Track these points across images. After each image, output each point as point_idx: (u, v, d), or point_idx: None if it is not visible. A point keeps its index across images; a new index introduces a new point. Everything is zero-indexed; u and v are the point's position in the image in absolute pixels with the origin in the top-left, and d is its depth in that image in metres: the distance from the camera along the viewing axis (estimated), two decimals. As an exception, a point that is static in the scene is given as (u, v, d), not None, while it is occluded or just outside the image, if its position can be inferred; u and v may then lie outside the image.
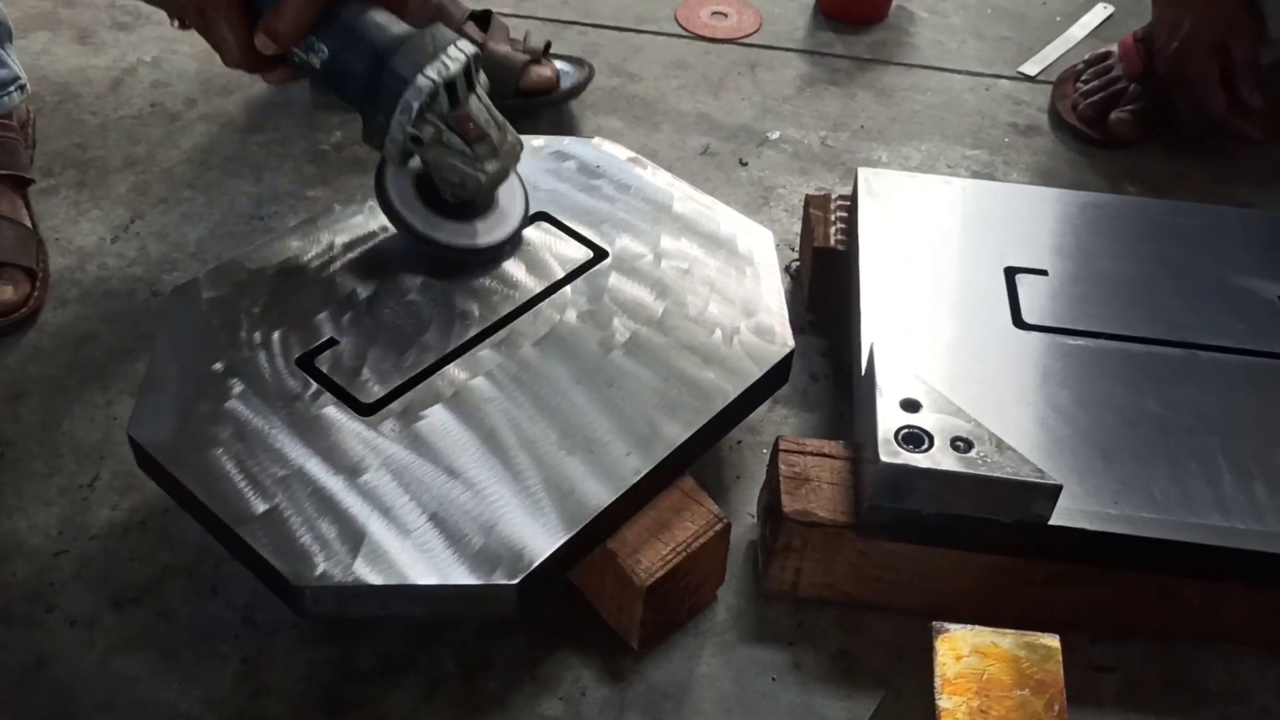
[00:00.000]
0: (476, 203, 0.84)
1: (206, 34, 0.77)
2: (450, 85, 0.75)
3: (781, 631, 0.80)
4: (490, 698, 0.75)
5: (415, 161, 0.81)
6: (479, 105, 0.78)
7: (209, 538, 0.74)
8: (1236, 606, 0.78)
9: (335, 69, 0.76)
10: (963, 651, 0.50)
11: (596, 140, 1.00)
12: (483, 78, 0.78)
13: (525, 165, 0.96)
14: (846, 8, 1.43)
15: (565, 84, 1.22)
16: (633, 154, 0.99)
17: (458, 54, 0.75)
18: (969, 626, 0.51)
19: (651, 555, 0.73)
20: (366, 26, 0.75)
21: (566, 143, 0.99)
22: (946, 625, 0.51)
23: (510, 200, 0.87)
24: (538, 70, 1.21)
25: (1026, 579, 0.77)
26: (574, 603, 0.78)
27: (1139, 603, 0.78)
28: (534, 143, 0.99)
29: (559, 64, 1.23)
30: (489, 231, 0.85)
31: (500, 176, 0.81)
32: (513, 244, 0.87)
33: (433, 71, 0.74)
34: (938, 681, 0.50)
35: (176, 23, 0.79)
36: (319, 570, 0.66)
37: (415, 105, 0.74)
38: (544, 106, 1.23)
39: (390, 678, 0.76)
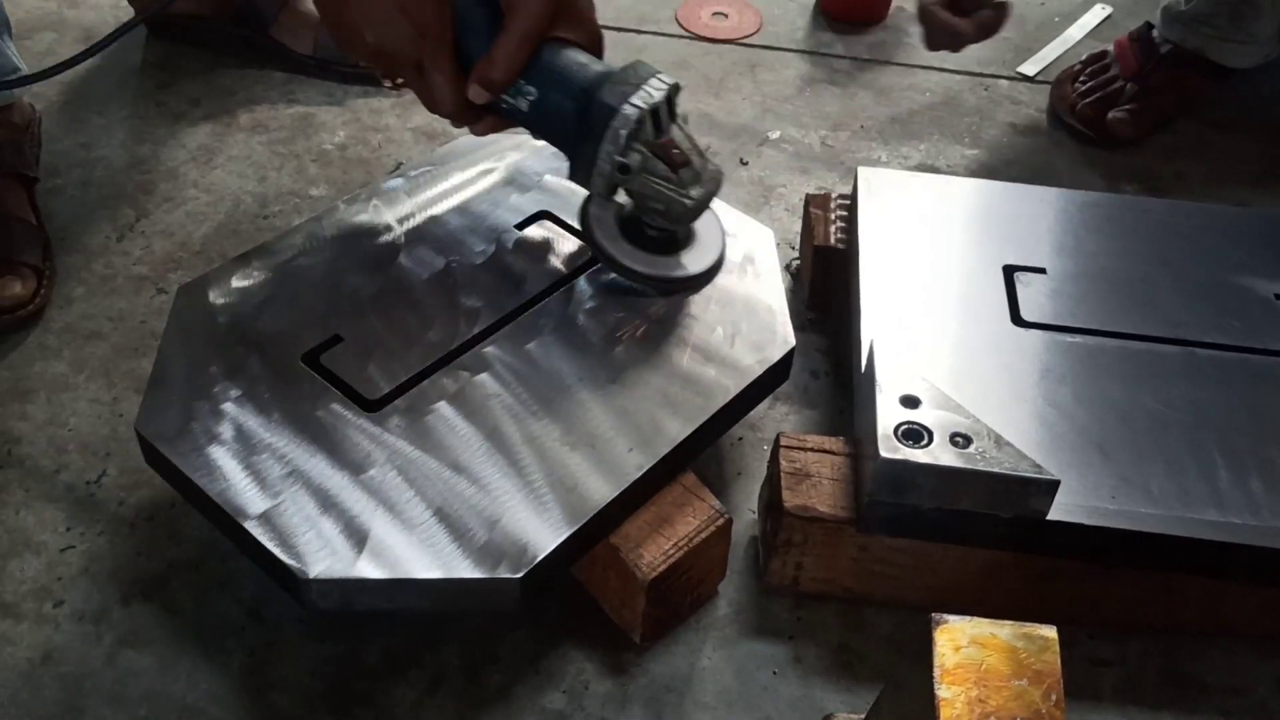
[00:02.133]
0: (677, 236, 0.85)
1: (421, 87, 0.80)
2: (654, 113, 0.77)
3: (782, 626, 0.81)
4: (494, 691, 0.76)
5: (620, 197, 0.83)
6: (681, 135, 0.80)
7: (215, 533, 0.75)
8: (1234, 602, 0.79)
9: (544, 109, 0.79)
10: (961, 642, 0.51)
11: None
12: (680, 109, 0.80)
13: (526, 162, 0.97)
14: (847, 8, 1.43)
15: None
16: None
17: (659, 84, 0.78)
18: (967, 618, 0.52)
19: (654, 550, 0.73)
20: (571, 66, 0.78)
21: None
22: (945, 616, 0.52)
23: (709, 233, 0.87)
24: None
25: (1025, 574, 0.77)
26: (577, 598, 0.79)
27: (1137, 598, 0.79)
28: (535, 142, 0.99)
29: None
30: (691, 263, 0.85)
31: (704, 203, 0.82)
32: (709, 278, 0.86)
33: (638, 100, 0.76)
34: (937, 672, 0.50)
35: (389, 84, 0.83)
36: (325, 564, 0.67)
37: (623, 133, 0.76)
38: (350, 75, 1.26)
39: (395, 672, 0.76)
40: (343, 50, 0.81)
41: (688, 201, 0.80)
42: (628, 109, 0.76)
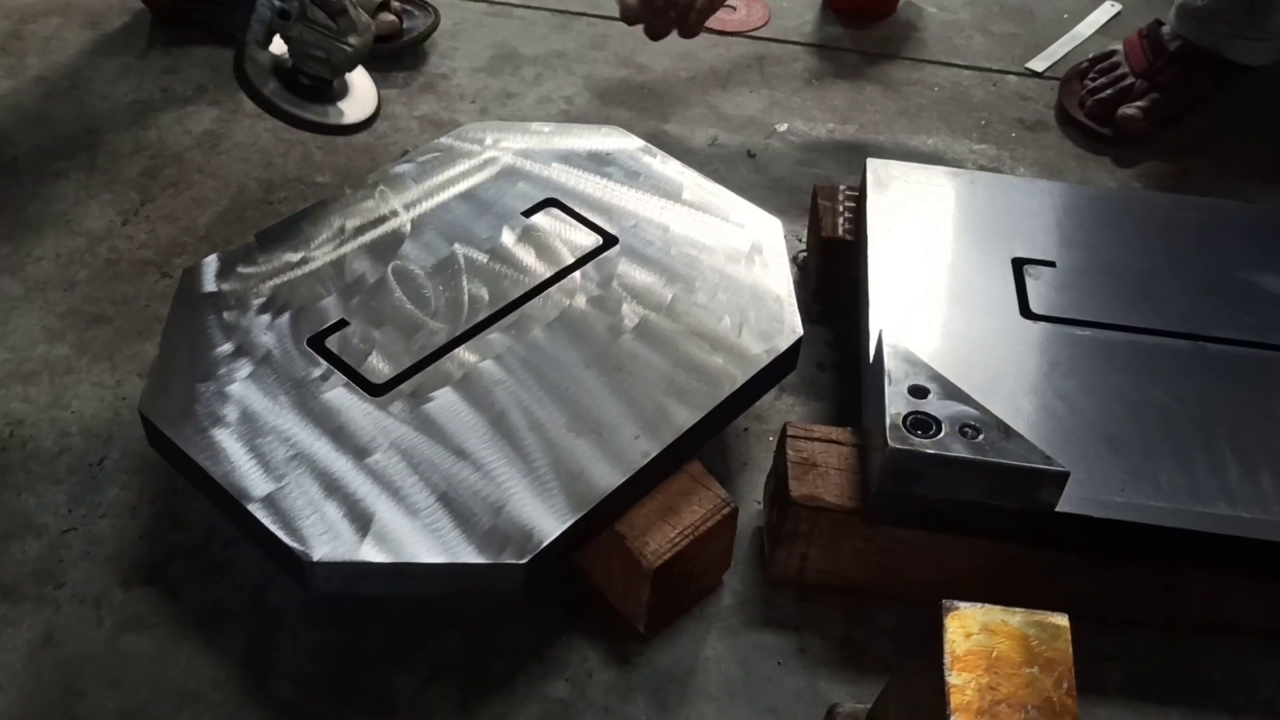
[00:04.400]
0: (333, 85, 0.90)
1: None
2: None
3: (787, 617, 0.80)
4: (496, 680, 0.75)
5: (274, 52, 0.88)
6: None
7: (218, 517, 0.74)
8: (1241, 598, 0.78)
9: None
10: (972, 629, 0.50)
11: (607, 129, 1.00)
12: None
13: (533, 149, 0.97)
14: (855, 3, 1.43)
15: (411, 30, 1.29)
16: (643, 142, 0.99)
17: None
18: (979, 605, 0.51)
19: (659, 538, 0.73)
20: None
21: (577, 131, 1.00)
22: (956, 603, 0.51)
23: (364, 85, 0.93)
24: (384, 16, 1.26)
25: (1031, 567, 0.77)
26: (581, 587, 0.78)
27: (1144, 593, 0.78)
28: (544, 129, 0.99)
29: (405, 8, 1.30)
30: (352, 111, 0.91)
31: (363, 51, 0.87)
32: (368, 125, 0.94)
33: None
34: (947, 658, 0.50)
35: None
36: (329, 547, 0.67)
37: None
38: (388, 52, 1.27)
39: (397, 660, 0.76)
40: None
41: (348, 48, 0.86)
42: None
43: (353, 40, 0.86)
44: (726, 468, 0.89)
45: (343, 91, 0.91)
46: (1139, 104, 1.24)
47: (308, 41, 0.85)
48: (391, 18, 1.26)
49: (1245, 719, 0.77)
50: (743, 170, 1.19)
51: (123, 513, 0.83)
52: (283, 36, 0.86)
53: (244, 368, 0.76)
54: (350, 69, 0.89)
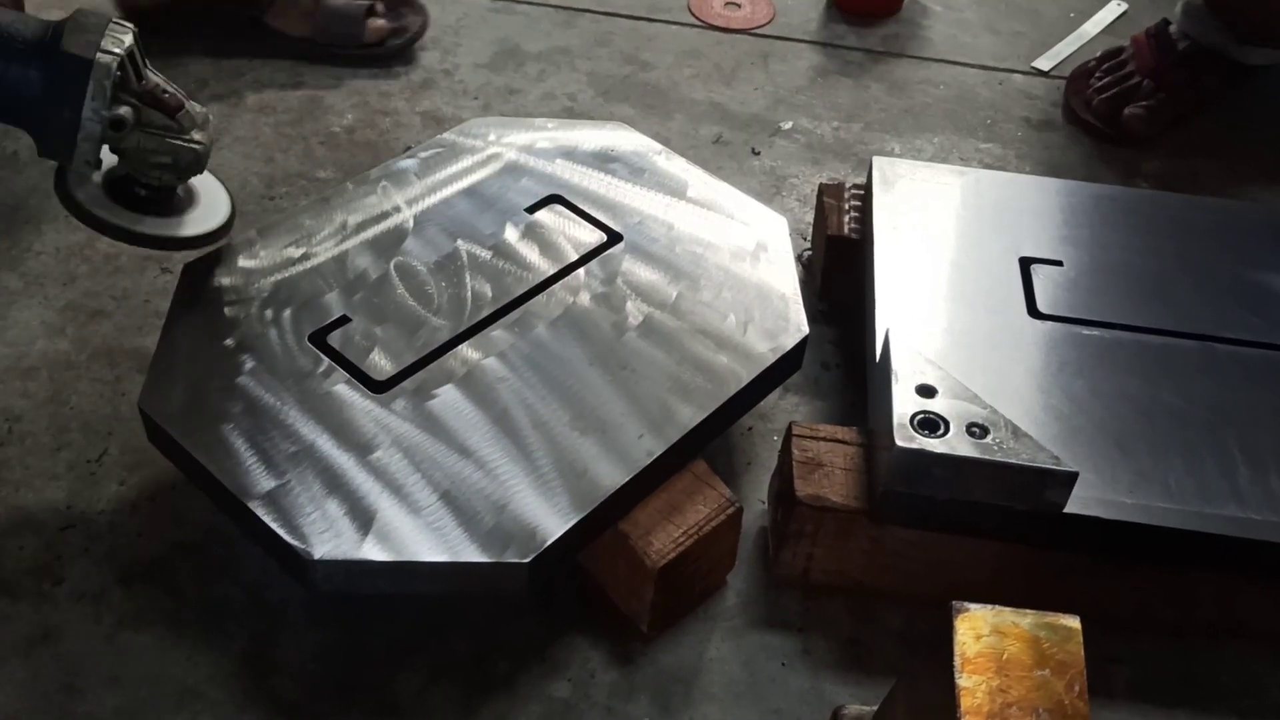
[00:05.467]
0: (176, 194, 0.79)
1: None
2: (130, 58, 0.70)
3: (791, 618, 0.79)
4: (499, 679, 0.75)
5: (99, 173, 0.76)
6: (161, 78, 0.73)
7: (218, 515, 0.73)
8: (1250, 601, 0.77)
9: None
10: (983, 631, 0.50)
11: (611, 125, 1.00)
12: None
13: (538, 145, 0.96)
14: (860, 1, 1.42)
15: (404, 32, 1.27)
16: (648, 139, 0.98)
17: (120, 27, 0.70)
18: (989, 606, 0.51)
19: (663, 538, 0.72)
20: (5, 27, 0.67)
21: (581, 127, 0.99)
22: (967, 605, 0.51)
23: (211, 187, 0.82)
24: (372, 22, 1.25)
25: (1039, 569, 0.76)
26: (584, 587, 0.78)
27: (1152, 595, 0.78)
28: (547, 126, 0.99)
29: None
30: (202, 219, 0.80)
31: (209, 148, 0.76)
32: (224, 233, 0.82)
33: (111, 45, 0.67)
34: (957, 660, 0.49)
35: None
36: (330, 545, 0.66)
37: (107, 84, 0.68)
38: (380, 55, 1.26)
39: (399, 659, 0.75)
40: None
41: (197, 147, 0.74)
42: (104, 57, 0.67)
43: (198, 136, 0.74)
44: (731, 467, 0.89)
45: (189, 199, 0.80)
46: (1146, 104, 1.23)
47: (148, 149, 0.73)
48: (380, 22, 1.25)
49: (1253, 722, 0.76)
50: (747, 168, 1.18)
51: (122, 509, 0.82)
52: (116, 150, 0.73)
53: (245, 364, 0.76)
54: (199, 170, 0.77)
